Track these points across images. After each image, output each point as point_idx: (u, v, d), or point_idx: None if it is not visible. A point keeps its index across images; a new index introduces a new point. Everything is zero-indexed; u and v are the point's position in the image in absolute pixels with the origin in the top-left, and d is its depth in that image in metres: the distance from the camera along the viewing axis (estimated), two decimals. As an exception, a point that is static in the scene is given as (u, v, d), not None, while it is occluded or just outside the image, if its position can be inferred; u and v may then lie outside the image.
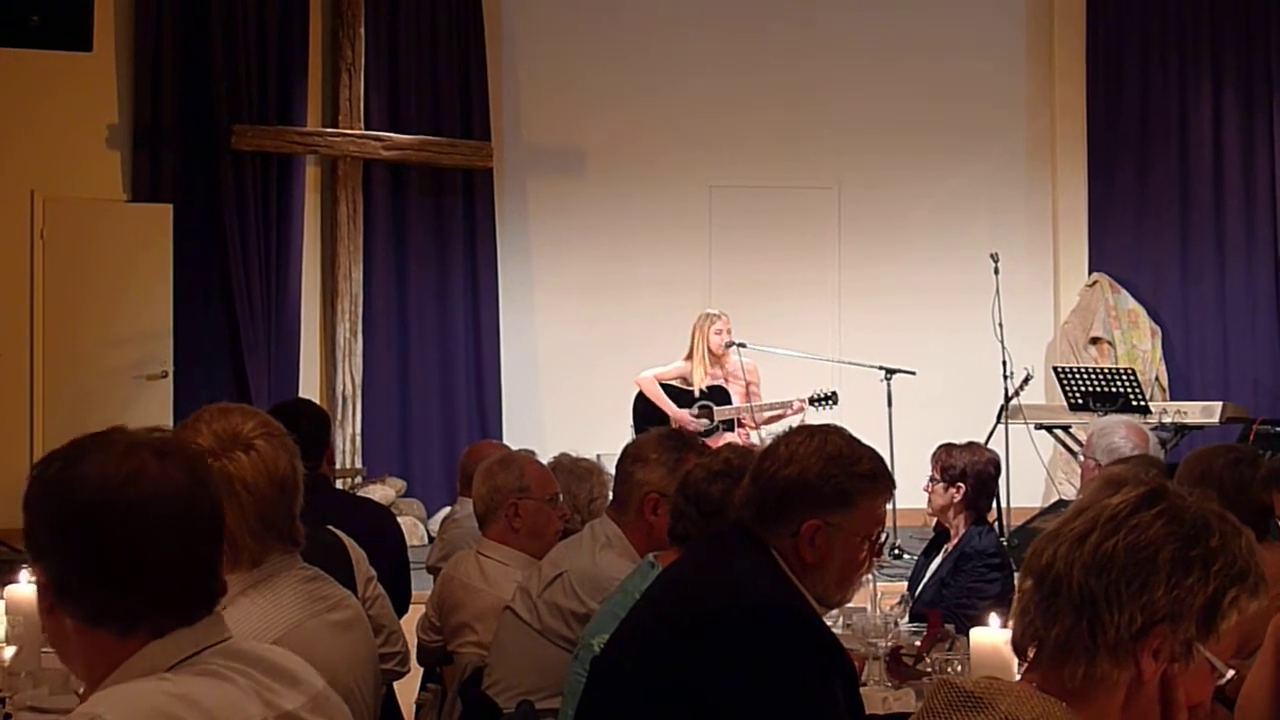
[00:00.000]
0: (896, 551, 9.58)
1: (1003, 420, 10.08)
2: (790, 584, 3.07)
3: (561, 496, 5.10)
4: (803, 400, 9.87)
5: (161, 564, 1.99)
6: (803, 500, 3.08)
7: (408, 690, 5.15)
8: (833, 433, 3.19)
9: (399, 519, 7.38)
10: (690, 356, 9.98)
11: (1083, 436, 7.70)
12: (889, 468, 3.22)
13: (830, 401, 9.83)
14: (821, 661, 2.93)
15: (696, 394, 9.91)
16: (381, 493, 10.73)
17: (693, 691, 2.90)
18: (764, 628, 2.92)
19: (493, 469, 4.99)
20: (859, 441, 3.20)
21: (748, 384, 9.88)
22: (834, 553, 3.10)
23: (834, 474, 3.10)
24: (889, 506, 3.26)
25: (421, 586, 5.82)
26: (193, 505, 2.02)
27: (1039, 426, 10.34)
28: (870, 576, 5.35)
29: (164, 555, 1.99)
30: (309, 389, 11.08)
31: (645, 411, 9.94)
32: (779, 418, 9.76)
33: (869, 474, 3.14)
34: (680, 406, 9.89)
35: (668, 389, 9.96)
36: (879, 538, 3.17)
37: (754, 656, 2.88)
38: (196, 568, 2.03)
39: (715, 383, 9.93)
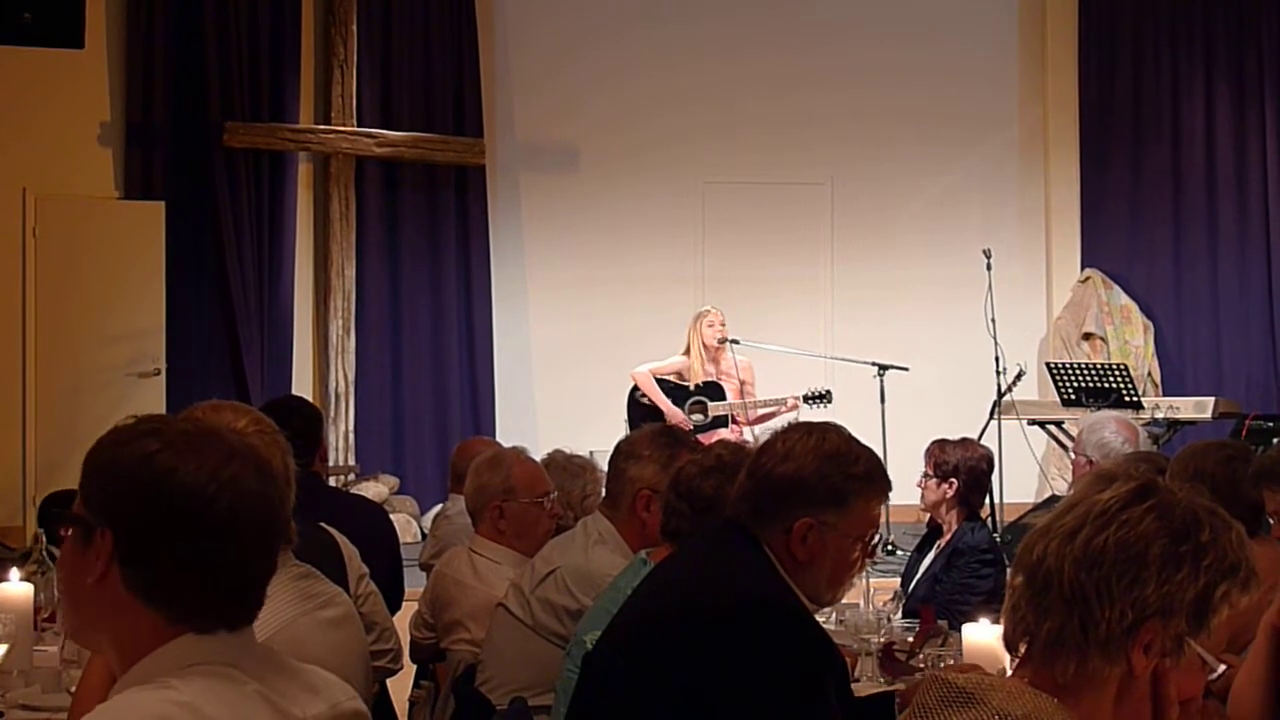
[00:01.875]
0: (889, 547, 9.59)
1: (995, 416, 10.08)
2: (782, 581, 3.06)
3: (555, 493, 5.10)
4: (797, 398, 9.88)
5: (231, 569, 2.02)
6: (797, 498, 3.07)
7: (401, 688, 5.15)
8: (831, 431, 3.17)
9: (392, 516, 7.40)
10: (687, 352, 10.01)
11: (1075, 432, 7.72)
12: (886, 469, 3.20)
13: (824, 400, 9.84)
14: (813, 658, 2.93)
15: (692, 389, 9.93)
16: (374, 490, 10.72)
17: (684, 687, 2.90)
18: (755, 624, 2.92)
19: (480, 468, 4.99)
20: (857, 441, 3.18)
21: (742, 382, 9.90)
22: (826, 552, 3.09)
23: (830, 473, 3.08)
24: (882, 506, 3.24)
25: (414, 584, 5.82)
26: (270, 518, 2.06)
27: (1032, 422, 10.34)
28: (864, 572, 5.37)
29: (237, 562, 2.02)
30: (302, 386, 11.08)
31: (640, 406, 9.95)
32: (773, 415, 9.77)
33: (865, 475, 3.12)
34: (676, 402, 9.90)
35: (663, 384, 9.97)
36: (872, 539, 3.16)
37: (746, 653, 2.88)
38: (256, 578, 2.06)
39: (710, 379, 9.95)
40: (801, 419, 6.29)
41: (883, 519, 9.29)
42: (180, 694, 1.93)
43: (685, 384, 9.97)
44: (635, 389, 10.06)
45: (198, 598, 2.00)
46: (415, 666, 5.31)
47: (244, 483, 2.02)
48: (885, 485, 3.17)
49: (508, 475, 4.90)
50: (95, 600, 2.06)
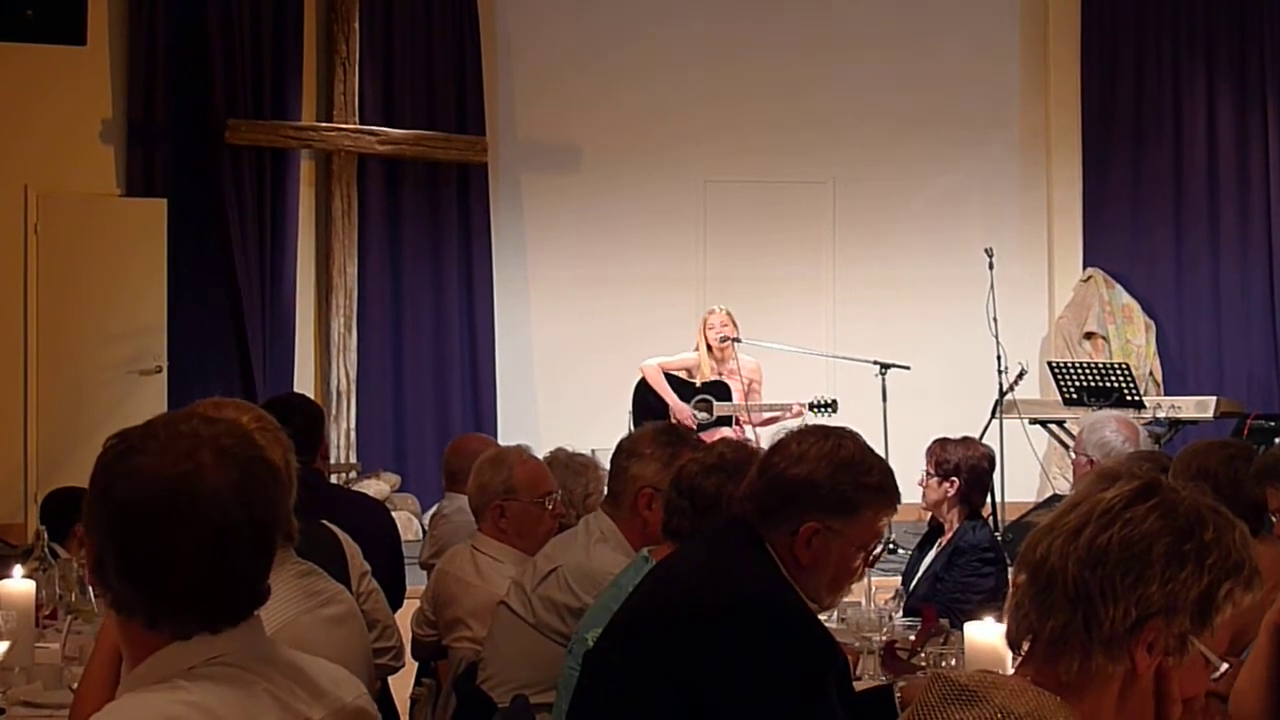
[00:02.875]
0: (891, 546, 9.57)
1: (997, 415, 10.08)
2: (784, 580, 3.06)
3: (559, 494, 5.09)
4: (802, 405, 9.87)
5: (190, 574, 1.97)
6: (807, 501, 3.08)
7: (403, 685, 5.15)
8: (847, 438, 3.17)
9: (393, 514, 7.39)
10: (698, 349, 10.03)
11: (1077, 431, 7.73)
12: (897, 483, 3.20)
13: (830, 409, 9.83)
14: (815, 656, 2.93)
15: (698, 386, 9.94)
16: (376, 488, 10.72)
17: (686, 684, 2.90)
18: (758, 622, 2.92)
19: (483, 467, 4.99)
20: (872, 451, 3.19)
21: (749, 382, 9.90)
22: (829, 557, 3.09)
23: (842, 480, 3.08)
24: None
25: (416, 581, 5.82)
26: (238, 519, 1.99)
27: (1033, 421, 10.33)
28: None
29: (194, 566, 1.97)
30: (303, 384, 11.08)
31: (645, 400, 9.96)
32: (776, 419, 9.78)
33: (877, 486, 3.13)
34: (683, 398, 9.90)
35: (671, 379, 9.98)
36: (874, 548, 3.17)
37: (748, 650, 2.88)
38: (229, 581, 2.01)
39: (718, 378, 9.95)
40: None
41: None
42: (189, 694, 1.93)
43: (693, 381, 9.98)
44: (642, 381, 10.06)
45: (156, 601, 1.98)
46: (417, 664, 5.31)
47: (199, 478, 1.98)
48: (895, 498, 3.17)
49: (509, 475, 4.90)
50: (101, 607, 2.08)
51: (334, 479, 10.00)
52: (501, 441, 7.24)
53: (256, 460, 2.07)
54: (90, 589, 4.22)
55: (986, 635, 3.56)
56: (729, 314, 10.00)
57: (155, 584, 1.98)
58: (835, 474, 3.08)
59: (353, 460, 11.15)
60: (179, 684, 1.95)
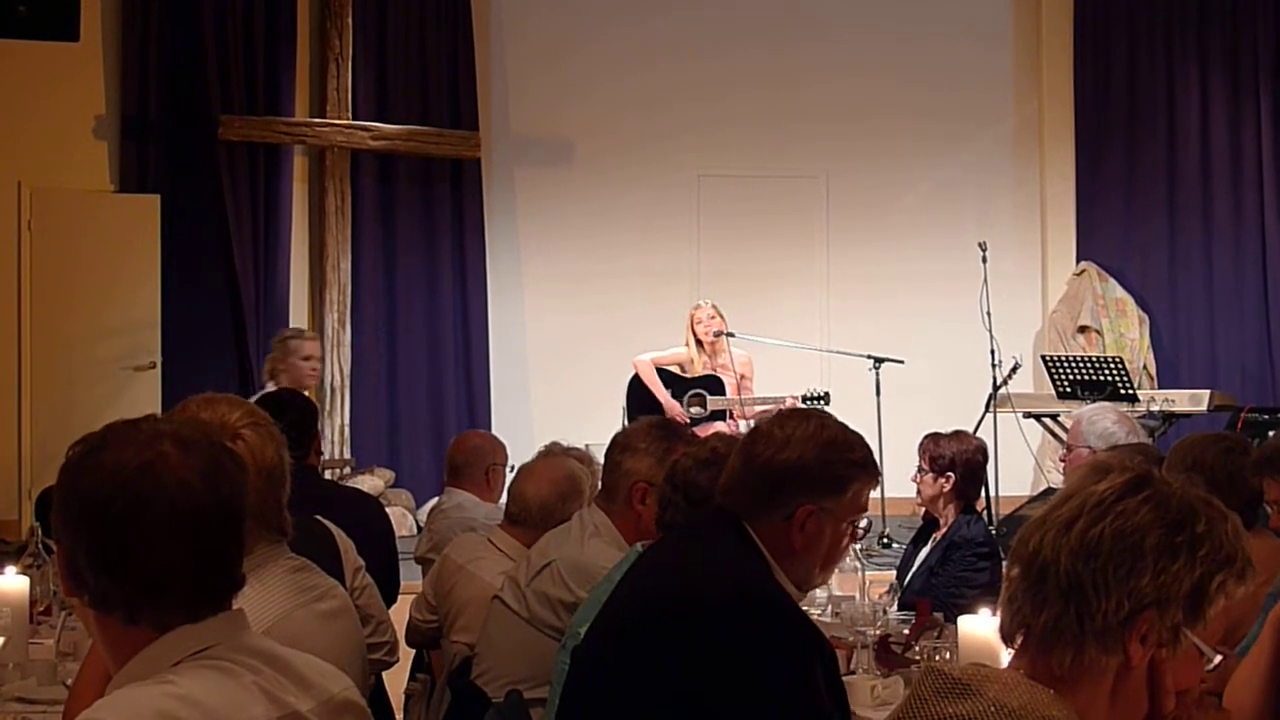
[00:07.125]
0: (885, 540, 9.59)
1: (991, 409, 10.08)
2: (768, 571, 3.08)
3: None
4: (795, 398, 9.87)
5: (164, 560, 1.98)
6: (798, 485, 3.10)
7: (397, 681, 5.15)
8: (826, 417, 3.22)
9: (387, 509, 7.39)
10: (688, 344, 10.03)
11: (1070, 423, 7.72)
12: (876, 456, 3.27)
13: (822, 401, 9.83)
14: (802, 647, 2.94)
15: (691, 381, 9.94)
16: (370, 483, 10.71)
17: (673, 677, 2.90)
18: (746, 614, 2.92)
19: (559, 482, 4.99)
20: (849, 428, 3.24)
21: (740, 376, 9.90)
22: (823, 537, 3.13)
23: (831, 460, 3.13)
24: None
25: (410, 577, 5.82)
26: (205, 502, 2.01)
27: (1027, 415, 10.34)
28: (859, 565, 5.38)
29: (167, 551, 1.98)
30: (297, 380, 11.06)
31: (639, 395, 9.96)
32: (769, 413, 9.75)
33: (862, 462, 3.18)
34: (675, 393, 9.91)
35: (664, 374, 9.98)
36: (860, 522, 3.22)
37: (736, 643, 2.89)
38: (204, 565, 2.02)
39: (710, 372, 9.95)
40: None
41: (878, 512, 9.31)
42: (178, 687, 1.93)
43: (685, 376, 9.99)
44: (636, 377, 10.06)
45: (134, 594, 1.99)
46: (412, 660, 5.31)
47: (161, 467, 1.99)
48: (877, 472, 3.23)
49: (583, 494, 4.93)
50: (79, 612, 2.08)
51: (328, 475, 10.00)
52: (497, 436, 7.20)
53: (219, 448, 2.09)
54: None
55: (980, 629, 3.57)
56: (715, 307, 10.01)
57: (132, 573, 1.98)
58: (823, 454, 3.12)
59: (347, 456, 11.15)
60: (168, 677, 1.95)
